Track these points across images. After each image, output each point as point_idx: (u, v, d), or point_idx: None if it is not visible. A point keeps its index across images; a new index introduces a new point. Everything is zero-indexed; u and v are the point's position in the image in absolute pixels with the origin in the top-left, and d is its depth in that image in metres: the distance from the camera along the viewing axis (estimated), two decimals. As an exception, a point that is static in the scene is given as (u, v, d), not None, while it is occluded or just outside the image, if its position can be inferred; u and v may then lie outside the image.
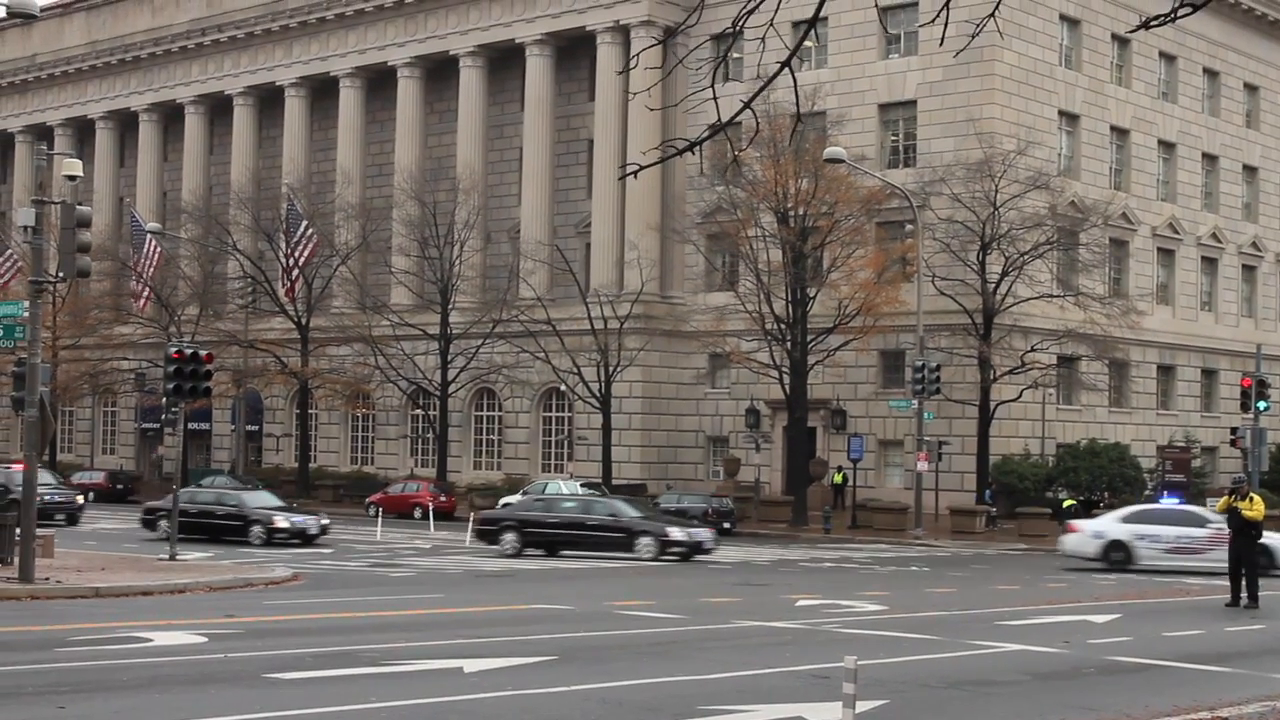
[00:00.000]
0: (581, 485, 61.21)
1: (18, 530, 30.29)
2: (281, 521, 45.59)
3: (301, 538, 45.25)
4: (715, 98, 8.93)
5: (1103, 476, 59.77)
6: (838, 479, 63.53)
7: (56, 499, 54.08)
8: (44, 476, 55.33)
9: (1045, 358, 60.38)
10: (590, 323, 63.85)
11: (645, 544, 41.17)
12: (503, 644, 20.36)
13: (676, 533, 41.76)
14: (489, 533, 44.36)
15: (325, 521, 47.41)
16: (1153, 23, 9.79)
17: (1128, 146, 69.50)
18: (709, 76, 9.08)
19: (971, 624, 24.32)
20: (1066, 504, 50.23)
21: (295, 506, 50.99)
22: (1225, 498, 30.08)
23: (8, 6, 30.70)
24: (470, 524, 48.55)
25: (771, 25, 9.27)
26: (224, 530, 46.25)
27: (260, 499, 48.56)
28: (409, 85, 77.20)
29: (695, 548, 41.33)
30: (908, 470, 60.51)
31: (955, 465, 60.47)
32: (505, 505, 52.00)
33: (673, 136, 57.60)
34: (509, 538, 42.89)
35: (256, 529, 45.46)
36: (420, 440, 75.38)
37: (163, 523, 46.15)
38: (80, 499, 56.46)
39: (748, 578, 35.29)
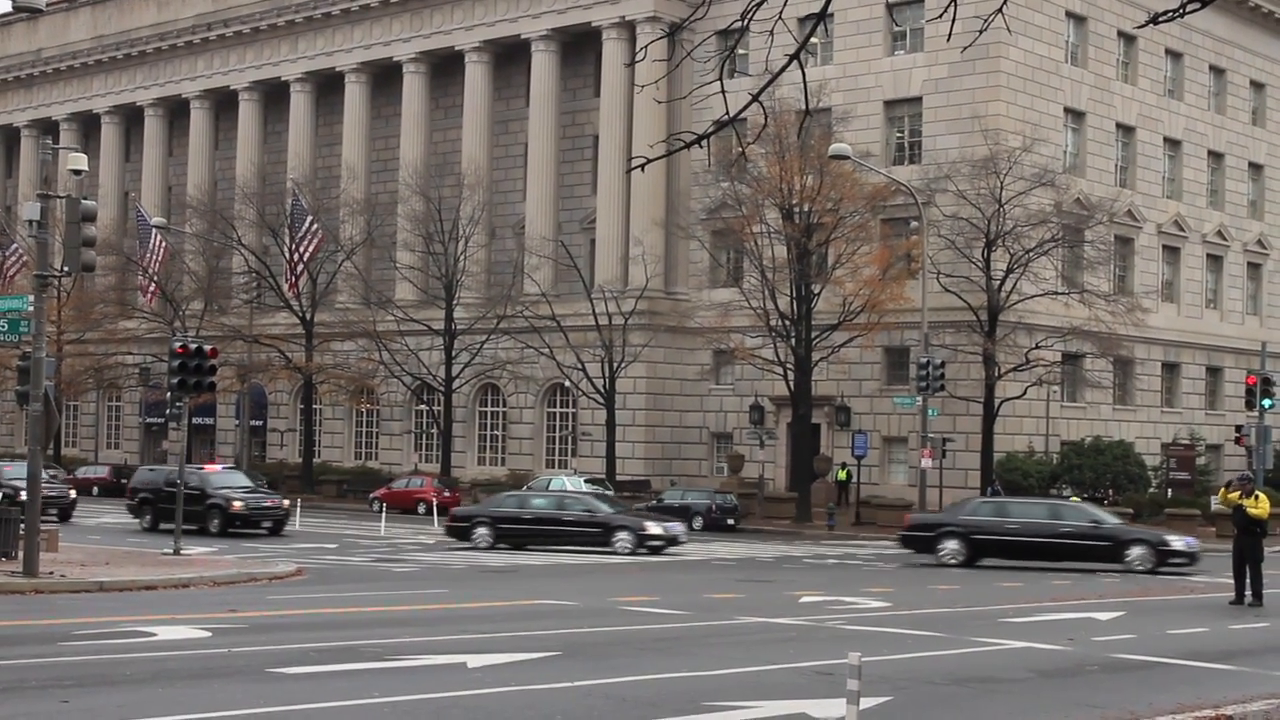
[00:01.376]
0: (585, 481, 61.24)
1: (22, 524, 30.33)
2: (654, 528, 41.60)
3: (673, 544, 41.69)
4: (724, 91, 8.91)
5: (1107, 474, 59.73)
6: (841, 476, 63.49)
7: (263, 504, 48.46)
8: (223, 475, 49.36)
9: (1050, 355, 60.34)
10: (595, 318, 63.85)
11: (1138, 554, 37.23)
12: (507, 639, 20.35)
13: (1176, 542, 38.38)
14: (922, 540, 39.70)
15: (683, 527, 44.10)
16: (1160, 19, 9.77)
17: (1133, 144, 69.40)
18: (715, 72, 9.09)
19: (975, 621, 24.30)
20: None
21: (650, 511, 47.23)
22: (1224, 489, 30.01)
23: (14, 0, 30.70)
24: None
25: (780, 19, 9.25)
26: (574, 538, 41.95)
27: (609, 503, 44.31)
28: (414, 80, 77.16)
29: (1191, 559, 37.89)
30: (912, 467, 60.47)
31: (959, 462, 60.43)
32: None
33: (677, 131, 57.55)
34: (950, 545, 38.49)
35: (624, 536, 41.15)
36: (424, 436, 75.34)
37: (481, 530, 42.58)
38: (287, 503, 50.03)
39: (751, 574, 35.26)
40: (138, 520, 49.23)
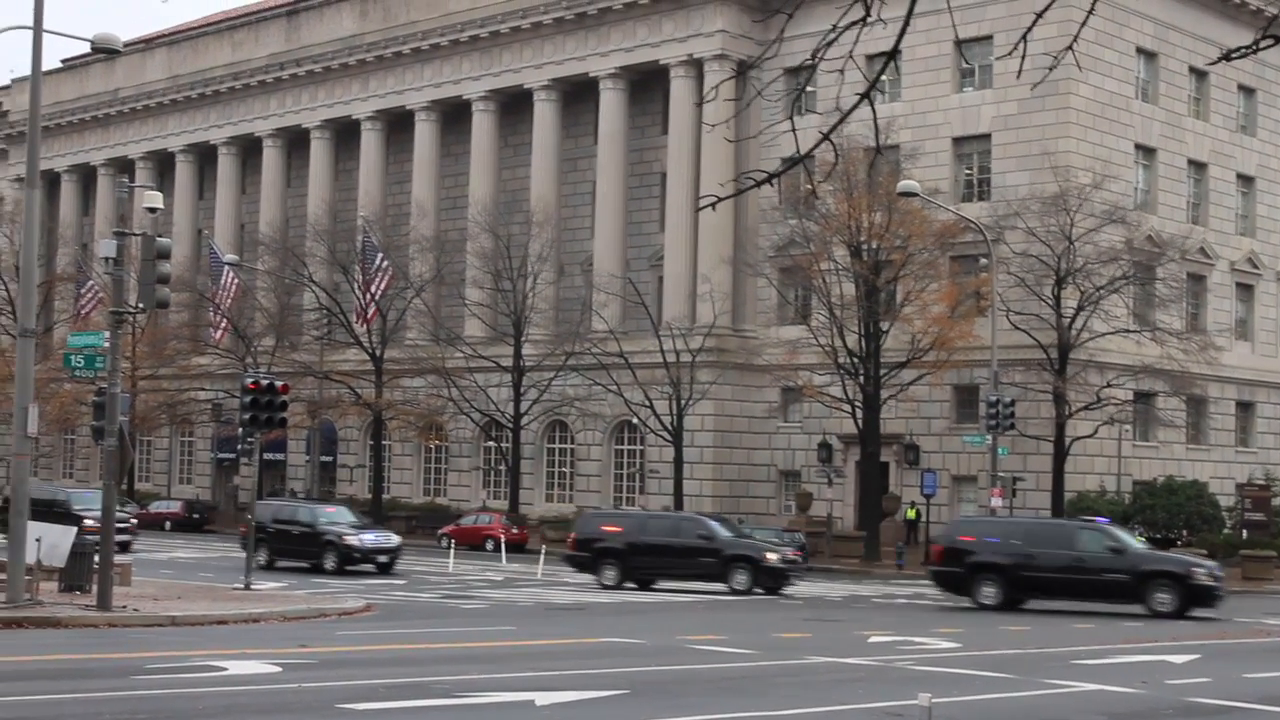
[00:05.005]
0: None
1: (96, 559, 30.64)
2: None
3: None
4: (794, 129, 8.92)
5: (1180, 514, 58.88)
6: (910, 514, 63.07)
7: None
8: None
9: (1121, 393, 59.76)
10: (662, 356, 63.86)
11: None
12: (574, 677, 20.33)
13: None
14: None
15: None
16: (1233, 55, 9.70)
17: (1205, 180, 68.77)
18: (784, 110, 9.09)
19: (1047, 663, 24.01)
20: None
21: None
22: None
23: (92, 42, 31.25)
24: None
25: (850, 57, 9.26)
26: None
27: None
28: (483, 118, 77.69)
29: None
30: (981, 506, 59.93)
31: (1030, 502, 59.85)
32: None
33: (746, 169, 57.58)
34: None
35: None
36: (493, 472, 75.56)
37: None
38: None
39: (820, 613, 35.06)
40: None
